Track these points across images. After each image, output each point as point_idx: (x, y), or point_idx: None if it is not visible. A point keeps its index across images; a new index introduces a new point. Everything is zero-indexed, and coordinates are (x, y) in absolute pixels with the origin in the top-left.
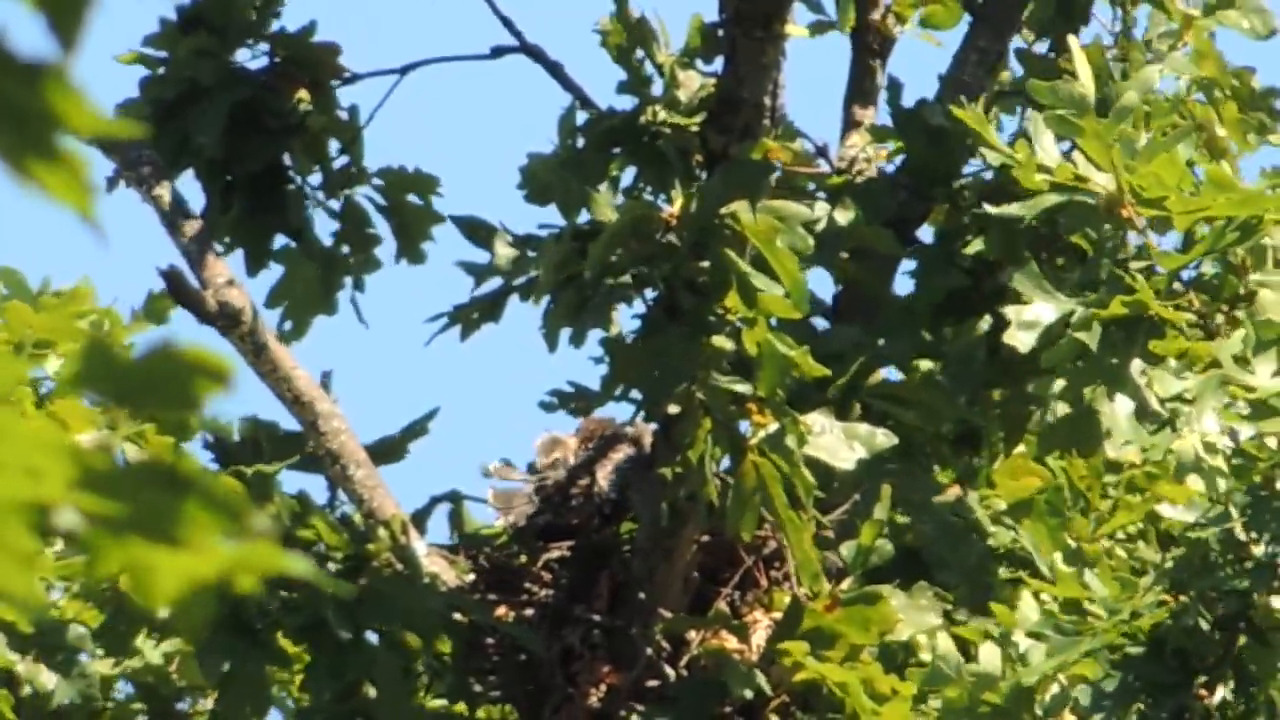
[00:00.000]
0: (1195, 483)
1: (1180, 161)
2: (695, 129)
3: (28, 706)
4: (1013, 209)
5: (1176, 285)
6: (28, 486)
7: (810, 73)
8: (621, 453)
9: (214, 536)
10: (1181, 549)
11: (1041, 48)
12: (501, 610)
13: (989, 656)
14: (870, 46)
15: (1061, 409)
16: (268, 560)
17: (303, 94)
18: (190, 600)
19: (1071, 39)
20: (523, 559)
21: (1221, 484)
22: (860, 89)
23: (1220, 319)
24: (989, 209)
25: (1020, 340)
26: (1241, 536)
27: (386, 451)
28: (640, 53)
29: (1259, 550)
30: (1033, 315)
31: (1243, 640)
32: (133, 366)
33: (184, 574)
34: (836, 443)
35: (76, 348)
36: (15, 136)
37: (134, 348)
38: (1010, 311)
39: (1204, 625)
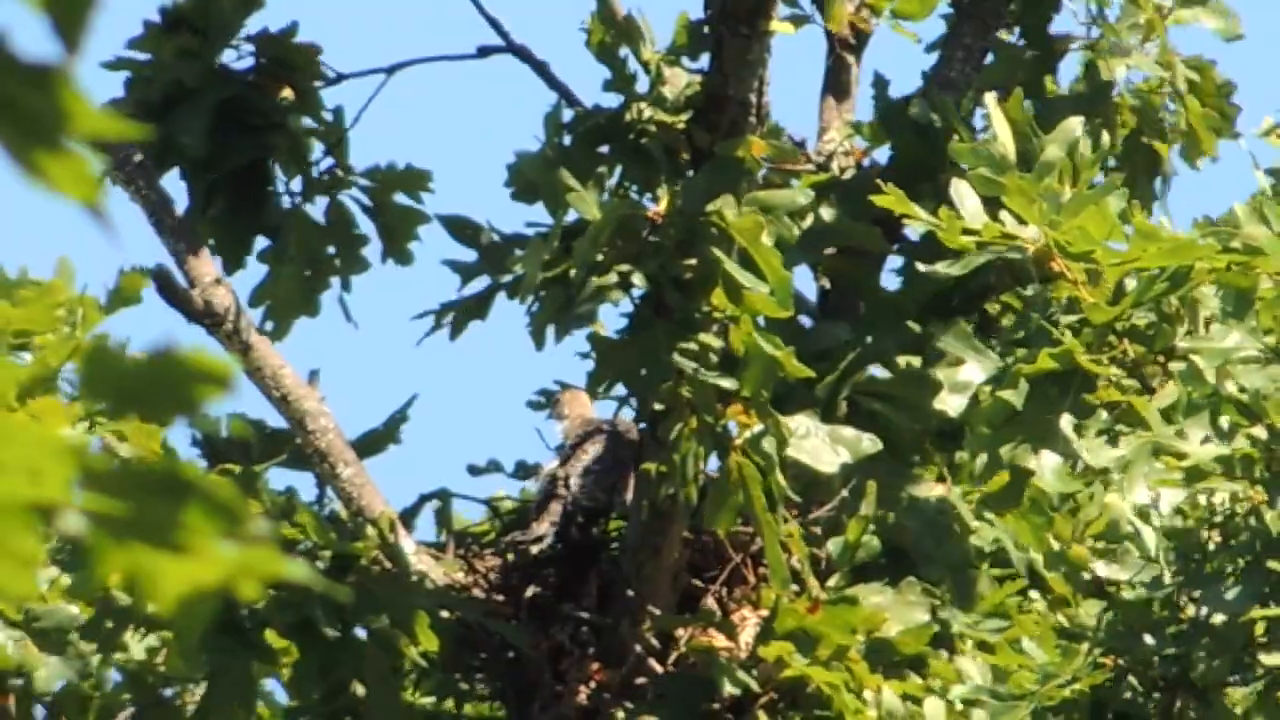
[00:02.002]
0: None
1: (1109, 213)
2: (681, 126)
3: (19, 692)
4: (941, 267)
5: (1110, 337)
6: (29, 487)
7: (785, 67)
8: (593, 452)
9: (214, 540)
10: (1115, 609)
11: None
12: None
13: (934, 712)
14: (845, 41)
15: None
16: (267, 565)
17: (287, 94)
18: (191, 606)
19: (989, 97)
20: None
21: (1151, 544)
22: (836, 83)
23: (1154, 369)
24: (920, 266)
25: (951, 404)
26: (1176, 596)
27: (372, 444)
28: (625, 50)
29: (1192, 611)
30: (964, 377)
31: (1180, 703)
32: (134, 371)
33: (186, 579)
34: (821, 446)
35: (53, 340)
36: (23, 135)
37: (108, 335)
38: (941, 374)
39: (1142, 687)
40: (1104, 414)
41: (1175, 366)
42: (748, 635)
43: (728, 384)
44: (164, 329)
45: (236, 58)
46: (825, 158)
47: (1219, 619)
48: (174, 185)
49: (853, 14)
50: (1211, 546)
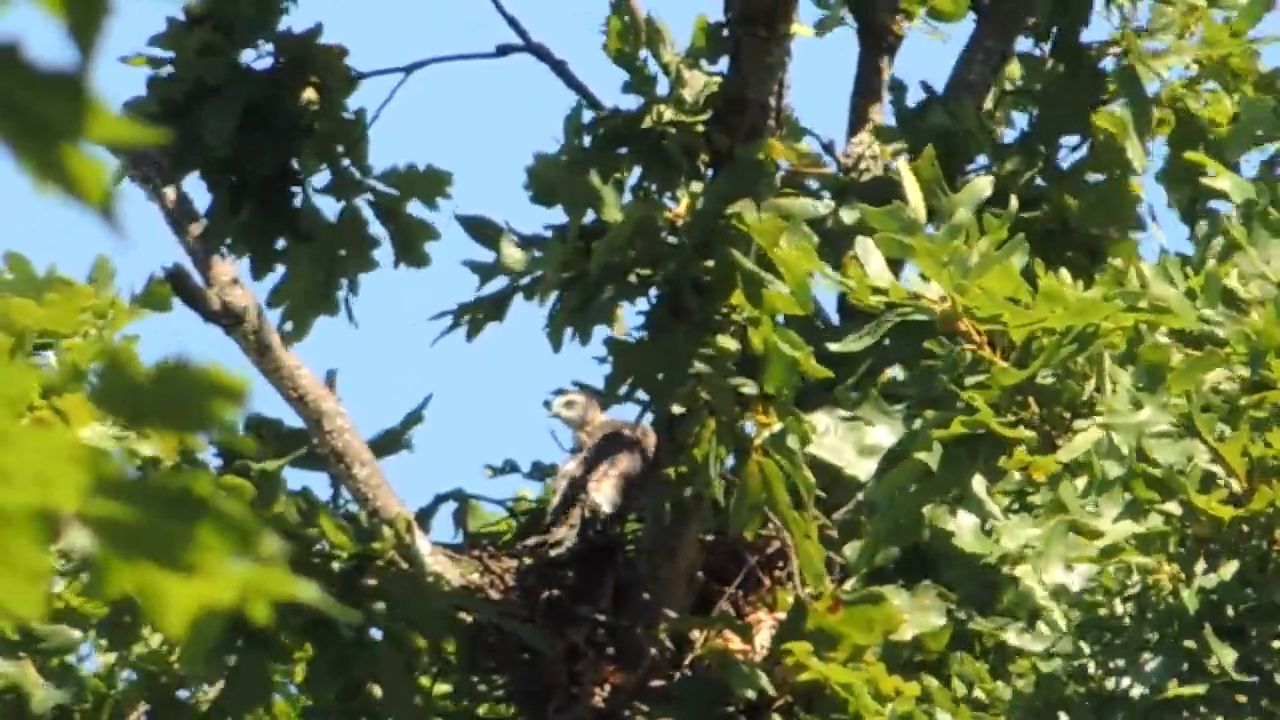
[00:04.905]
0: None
1: (1014, 273)
2: (700, 128)
3: (7, 707)
4: (849, 343)
5: (1018, 397)
6: (38, 494)
7: (818, 69)
8: (620, 464)
9: (225, 559)
10: (1030, 679)
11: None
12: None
13: None
14: (878, 43)
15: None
16: (277, 585)
17: (310, 94)
18: (200, 626)
19: (901, 163)
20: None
21: (1063, 621)
22: (868, 86)
23: (1061, 427)
24: (830, 346)
25: (861, 469)
26: (1091, 669)
27: (387, 443)
28: (645, 53)
29: (1110, 685)
30: (873, 440)
31: None
32: (148, 385)
33: (197, 599)
34: (841, 443)
35: (79, 343)
36: (36, 141)
37: (138, 339)
38: (851, 439)
39: None
40: (1016, 474)
41: (1081, 424)
42: (763, 637)
43: (747, 388)
44: (184, 332)
45: (256, 57)
46: (853, 160)
47: (1136, 693)
48: (192, 184)
49: (886, 16)
50: (1126, 621)
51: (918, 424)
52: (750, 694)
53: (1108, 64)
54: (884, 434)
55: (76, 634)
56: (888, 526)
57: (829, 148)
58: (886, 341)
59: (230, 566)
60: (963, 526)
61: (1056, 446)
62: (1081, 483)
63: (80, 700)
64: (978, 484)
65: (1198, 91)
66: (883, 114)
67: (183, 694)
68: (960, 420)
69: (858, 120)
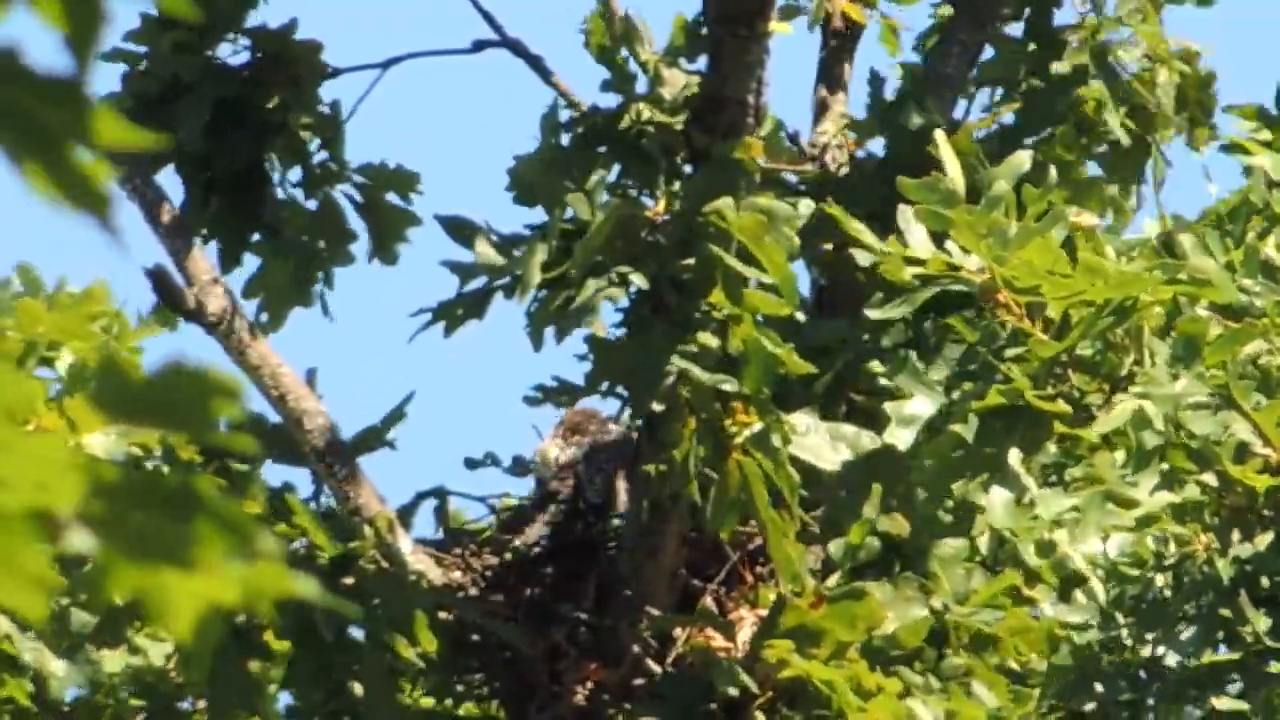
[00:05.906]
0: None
1: (1054, 245)
2: (679, 127)
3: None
4: (888, 310)
5: (1056, 369)
6: (37, 500)
7: (779, 58)
8: (606, 453)
9: (224, 557)
10: (1066, 651)
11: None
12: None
13: None
14: (839, 32)
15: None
16: (276, 582)
17: (284, 89)
18: (203, 624)
19: (939, 133)
20: (508, 556)
21: (1100, 591)
22: (830, 75)
23: (1099, 399)
24: (869, 312)
25: (900, 438)
26: (1128, 641)
27: (367, 441)
28: (624, 51)
29: (1145, 653)
30: (911, 410)
31: None
32: (145, 386)
33: (197, 598)
34: (821, 443)
35: (87, 347)
36: (35, 147)
37: (143, 352)
38: (889, 408)
39: None
40: (1051, 447)
41: (1120, 397)
42: (745, 635)
43: (727, 385)
44: (184, 340)
45: (232, 53)
46: (819, 150)
47: (1172, 661)
48: (169, 181)
49: (847, 5)
50: (1166, 592)
51: (955, 395)
52: (733, 691)
53: (1074, 45)
54: (922, 404)
55: (89, 617)
56: (931, 504)
57: (794, 138)
58: (866, 338)
59: (229, 564)
60: (995, 501)
61: (1094, 419)
62: (1120, 455)
63: (97, 684)
64: (1014, 457)
65: (1146, 82)
66: (846, 103)
67: (184, 706)
68: (998, 391)
69: (820, 110)
